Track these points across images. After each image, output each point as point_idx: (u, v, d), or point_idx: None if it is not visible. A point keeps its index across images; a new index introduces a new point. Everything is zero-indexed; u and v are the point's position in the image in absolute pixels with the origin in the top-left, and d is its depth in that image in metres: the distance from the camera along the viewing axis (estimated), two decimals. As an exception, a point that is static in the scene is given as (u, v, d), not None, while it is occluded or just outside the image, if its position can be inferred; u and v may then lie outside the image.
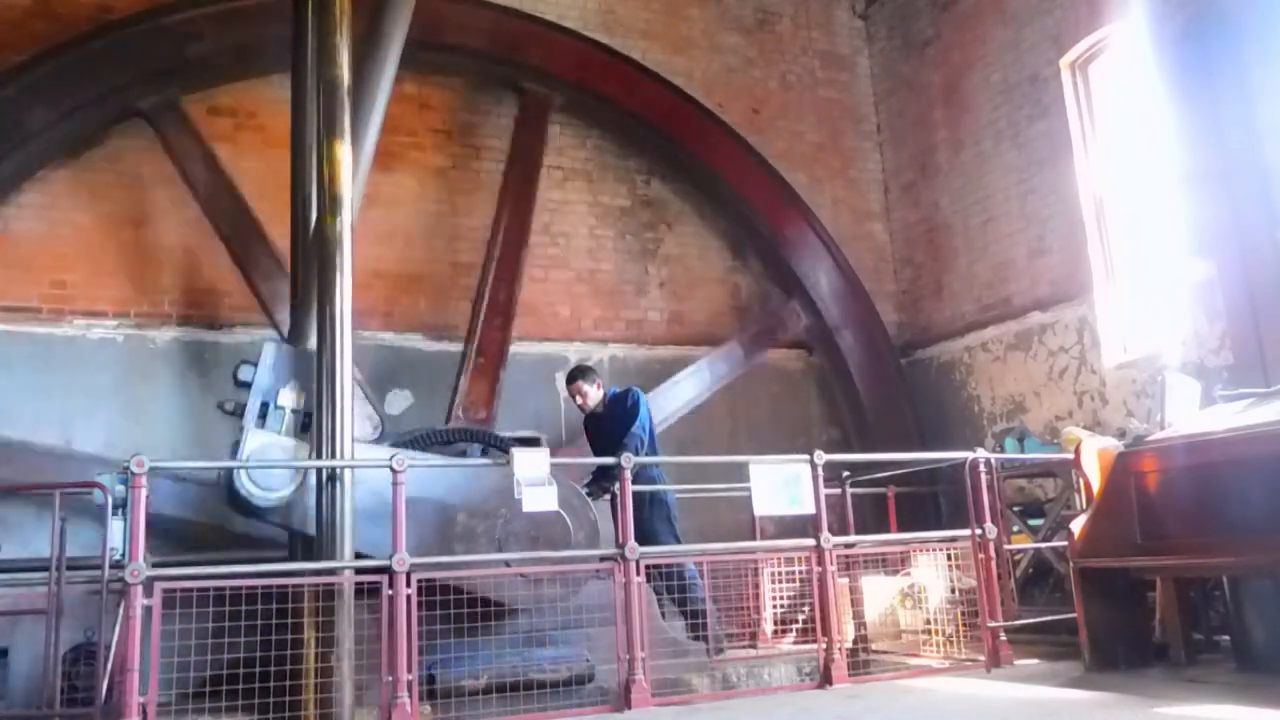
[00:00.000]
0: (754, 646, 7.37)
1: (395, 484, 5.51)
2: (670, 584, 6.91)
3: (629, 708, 5.56)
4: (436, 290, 9.24)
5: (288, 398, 5.84)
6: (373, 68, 6.42)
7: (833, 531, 6.42)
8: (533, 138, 9.66)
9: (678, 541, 7.18)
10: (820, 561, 6.29)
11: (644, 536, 6.78)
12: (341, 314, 6.18)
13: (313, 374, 5.73)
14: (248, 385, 5.92)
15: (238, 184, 8.60)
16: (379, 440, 7.64)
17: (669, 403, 9.47)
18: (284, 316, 8.06)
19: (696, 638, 6.77)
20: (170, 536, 6.98)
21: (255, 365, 5.93)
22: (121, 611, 5.03)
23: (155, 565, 5.11)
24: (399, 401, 8.82)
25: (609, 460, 6.23)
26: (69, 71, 8.01)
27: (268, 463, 5.68)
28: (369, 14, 6.54)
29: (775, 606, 7.67)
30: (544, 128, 9.74)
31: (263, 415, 5.84)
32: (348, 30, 6.59)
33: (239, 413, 5.93)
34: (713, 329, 10.31)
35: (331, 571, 5.77)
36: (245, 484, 5.54)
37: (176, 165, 8.49)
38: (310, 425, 5.74)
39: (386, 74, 6.51)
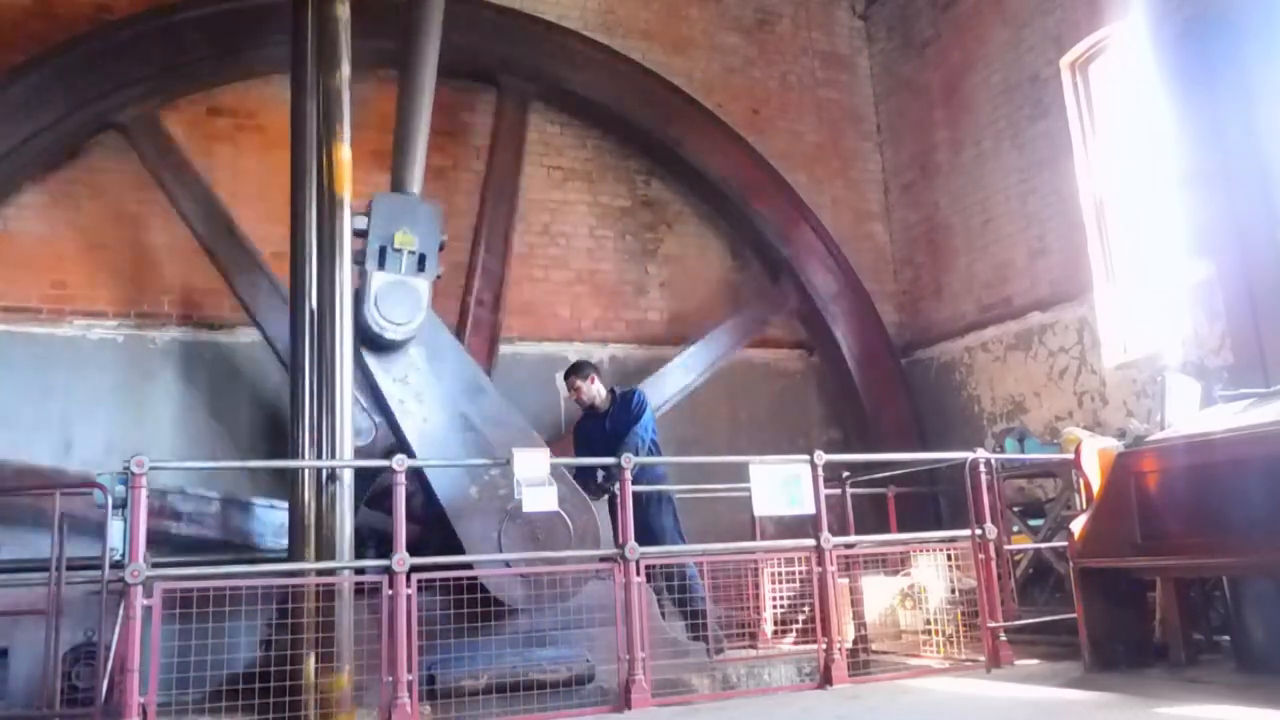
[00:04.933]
0: (754, 646, 7.37)
1: (394, 484, 5.52)
2: (671, 584, 6.93)
3: (629, 708, 5.56)
4: (436, 290, 9.20)
5: (403, 240, 6.38)
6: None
7: (833, 532, 6.43)
8: (513, 129, 9.54)
9: (683, 539, 7.20)
10: (820, 561, 6.30)
11: (650, 534, 6.80)
12: (341, 314, 6.20)
13: (415, 220, 6.47)
14: (363, 233, 6.36)
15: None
16: (373, 444, 7.71)
17: (664, 390, 9.43)
18: (268, 317, 8.10)
19: (697, 638, 6.77)
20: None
21: (365, 215, 6.40)
22: (121, 611, 5.04)
23: (155, 565, 5.11)
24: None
25: (609, 460, 6.23)
26: (69, 72, 8.00)
27: (262, 463, 5.68)
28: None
29: (775, 606, 7.67)
30: (524, 119, 9.64)
31: (381, 259, 6.35)
32: (347, 30, 6.60)
33: (359, 260, 6.36)
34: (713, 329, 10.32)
35: (331, 571, 5.79)
36: (377, 320, 6.24)
37: (152, 176, 8.39)
38: (424, 266, 6.42)
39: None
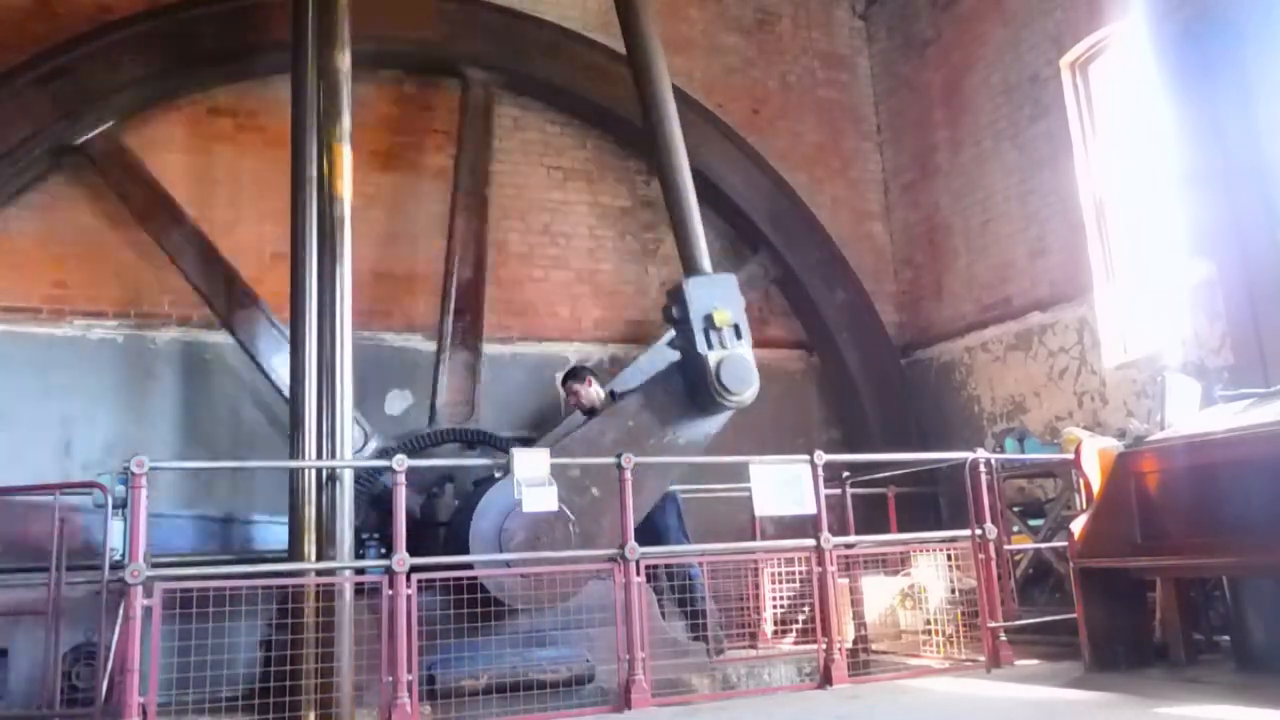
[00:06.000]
0: (754, 646, 7.37)
1: (394, 484, 5.52)
2: (674, 584, 6.93)
3: (629, 708, 5.56)
4: (436, 290, 9.23)
5: (721, 318, 6.87)
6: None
7: (833, 532, 6.43)
8: (481, 124, 9.44)
9: (687, 538, 7.20)
10: (820, 561, 6.30)
11: (654, 534, 6.80)
12: (341, 314, 6.21)
13: (723, 295, 7.04)
14: (678, 319, 6.98)
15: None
16: (363, 448, 7.77)
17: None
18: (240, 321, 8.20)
19: (698, 638, 6.78)
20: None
21: (676, 304, 7.00)
22: (121, 611, 5.04)
23: (154, 565, 5.11)
24: (399, 402, 8.81)
25: (609, 460, 6.23)
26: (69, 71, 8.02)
27: (262, 463, 5.66)
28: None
29: (775, 606, 7.67)
30: (491, 113, 9.54)
31: (708, 339, 6.83)
32: (348, 30, 6.62)
33: (681, 345, 6.99)
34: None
35: (331, 572, 5.79)
36: (723, 395, 6.78)
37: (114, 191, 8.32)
38: (741, 334, 6.92)
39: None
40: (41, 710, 5.33)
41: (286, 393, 6.89)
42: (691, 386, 6.92)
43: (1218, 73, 7.40)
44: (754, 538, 7.98)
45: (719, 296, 7.01)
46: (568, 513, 6.29)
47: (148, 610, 4.89)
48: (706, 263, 7.35)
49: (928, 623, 7.31)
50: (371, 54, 8.90)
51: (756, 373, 6.92)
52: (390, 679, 5.22)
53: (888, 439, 9.61)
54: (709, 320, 6.85)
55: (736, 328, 6.92)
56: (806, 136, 11.19)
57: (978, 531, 6.69)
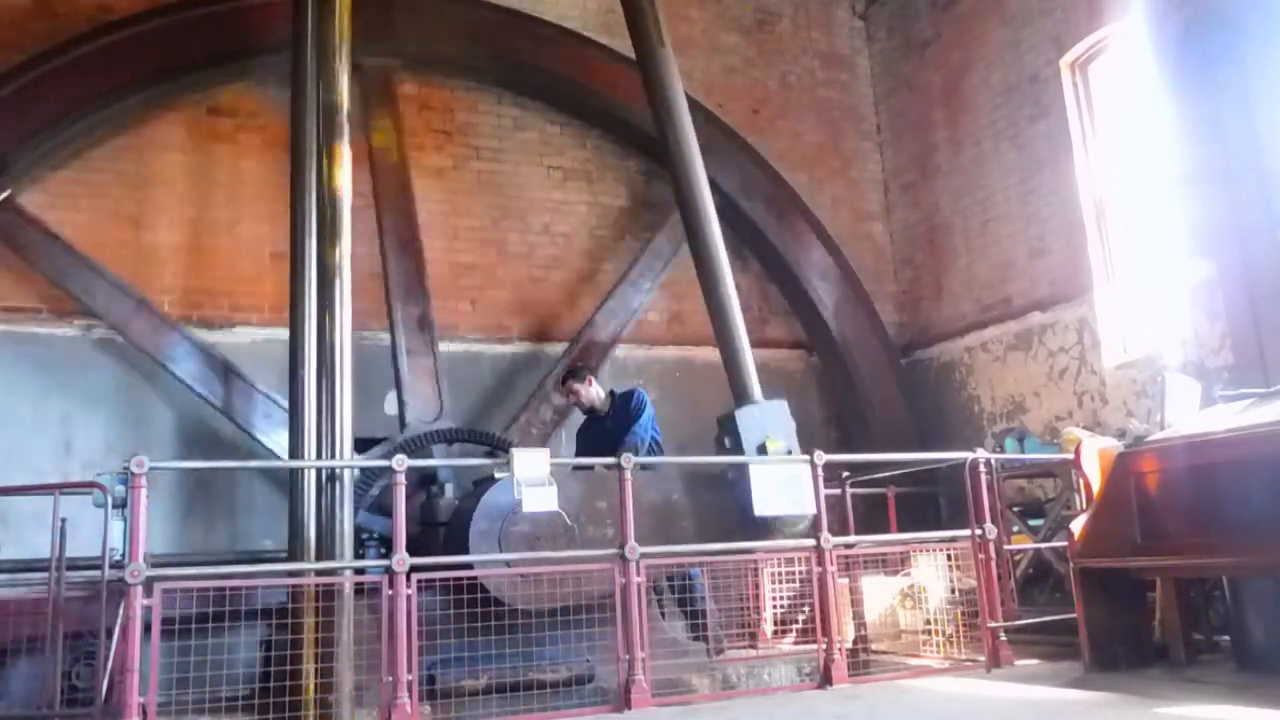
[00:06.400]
0: (754, 646, 7.36)
1: (395, 484, 5.52)
2: (674, 584, 6.92)
3: (629, 708, 5.56)
4: (436, 290, 9.22)
5: (774, 446, 6.80)
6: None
7: (833, 532, 6.42)
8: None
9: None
10: (820, 561, 6.30)
11: None
12: (341, 314, 6.20)
13: (774, 423, 6.96)
14: (730, 448, 6.90)
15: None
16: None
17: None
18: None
19: (698, 638, 6.77)
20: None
21: (728, 433, 6.94)
22: (121, 611, 5.03)
23: (154, 565, 5.11)
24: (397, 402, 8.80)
25: (610, 460, 6.23)
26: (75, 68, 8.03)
27: (263, 463, 5.64)
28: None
29: (775, 606, 7.66)
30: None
31: None
32: (347, 25, 6.62)
33: (739, 473, 6.73)
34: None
35: (331, 572, 5.79)
36: (774, 521, 6.53)
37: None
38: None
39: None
40: (41, 710, 5.33)
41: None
42: (741, 511, 6.69)
43: (1218, 73, 7.39)
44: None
45: (770, 424, 6.91)
46: (577, 534, 6.29)
47: (148, 610, 4.89)
48: (757, 390, 7.22)
49: (928, 623, 7.30)
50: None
51: (809, 494, 6.64)
52: (390, 679, 5.22)
53: (888, 439, 9.61)
54: (761, 450, 6.75)
55: (789, 453, 6.81)
56: (806, 136, 11.20)
57: (978, 531, 6.69)
